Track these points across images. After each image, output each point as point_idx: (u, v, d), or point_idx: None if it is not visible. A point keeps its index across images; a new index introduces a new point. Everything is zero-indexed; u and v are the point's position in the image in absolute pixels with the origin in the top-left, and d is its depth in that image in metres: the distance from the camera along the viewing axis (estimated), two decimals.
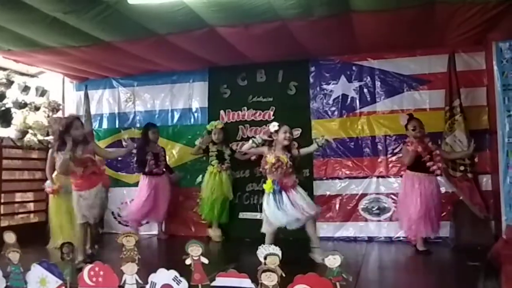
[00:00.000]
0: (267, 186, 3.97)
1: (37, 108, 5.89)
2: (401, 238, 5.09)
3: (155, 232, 5.87)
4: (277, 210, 3.88)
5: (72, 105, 6.54)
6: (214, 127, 5.54)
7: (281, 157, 3.96)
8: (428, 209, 4.41)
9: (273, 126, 4.06)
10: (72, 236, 4.71)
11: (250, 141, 4.10)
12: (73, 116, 4.38)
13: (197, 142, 5.58)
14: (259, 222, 4.18)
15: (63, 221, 5.06)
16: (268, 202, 3.97)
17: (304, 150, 4.31)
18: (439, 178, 4.62)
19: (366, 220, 5.28)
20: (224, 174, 5.46)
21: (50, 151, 5.25)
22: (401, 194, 4.78)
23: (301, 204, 3.93)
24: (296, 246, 3.99)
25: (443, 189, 4.82)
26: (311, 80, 5.63)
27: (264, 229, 4.02)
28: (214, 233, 5.47)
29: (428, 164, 4.46)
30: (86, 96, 6.34)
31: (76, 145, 4.03)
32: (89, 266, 2.94)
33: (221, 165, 5.45)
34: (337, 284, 2.40)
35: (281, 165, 3.93)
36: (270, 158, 3.98)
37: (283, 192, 3.94)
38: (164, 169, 5.70)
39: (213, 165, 5.46)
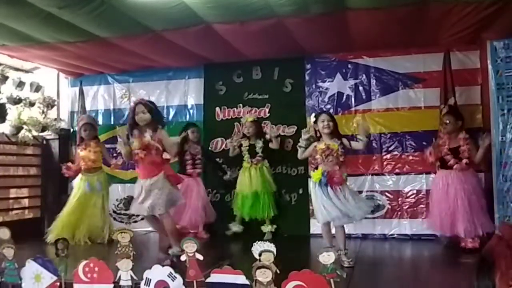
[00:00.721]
0: (316, 175, 3.85)
1: (31, 104, 5.85)
2: (395, 236, 5.13)
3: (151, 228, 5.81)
4: (326, 203, 3.76)
5: (67, 101, 6.52)
6: (246, 121, 5.44)
7: (331, 145, 3.87)
8: (447, 206, 4.27)
9: (312, 118, 4.00)
10: (71, 235, 4.79)
11: (298, 148, 4.06)
12: (137, 100, 4.16)
13: (229, 141, 5.53)
14: None
15: (72, 219, 5.08)
16: (316, 194, 3.87)
17: (354, 144, 4.08)
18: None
19: None
20: (257, 168, 5.28)
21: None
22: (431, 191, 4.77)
23: (348, 203, 3.80)
24: (291, 243, 4.00)
25: None
26: (307, 77, 5.63)
27: (317, 220, 3.94)
28: (234, 228, 5.33)
29: (449, 162, 4.34)
30: (81, 92, 6.31)
31: (142, 129, 3.93)
32: (83, 262, 2.94)
33: (252, 159, 5.31)
34: (331, 280, 2.42)
35: (332, 152, 3.83)
36: (320, 145, 3.90)
37: (329, 187, 3.79)
38: (199, 172, 5.45)
39: (245, 160, 5.35)
